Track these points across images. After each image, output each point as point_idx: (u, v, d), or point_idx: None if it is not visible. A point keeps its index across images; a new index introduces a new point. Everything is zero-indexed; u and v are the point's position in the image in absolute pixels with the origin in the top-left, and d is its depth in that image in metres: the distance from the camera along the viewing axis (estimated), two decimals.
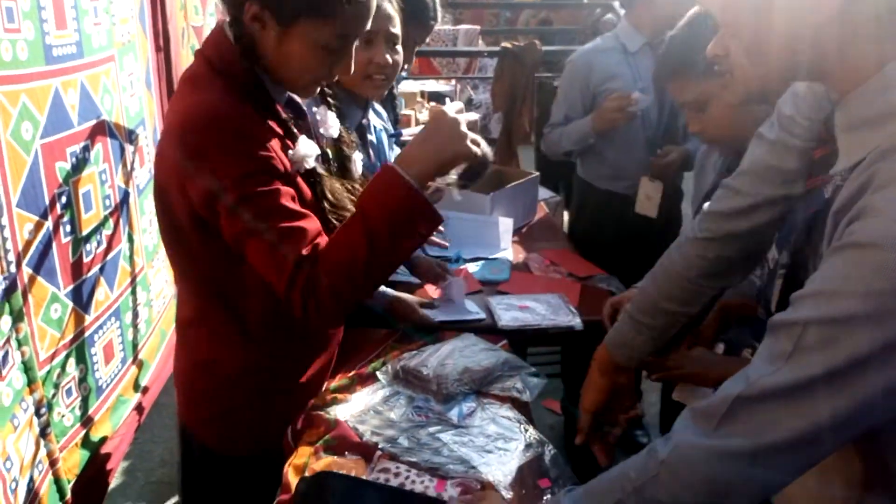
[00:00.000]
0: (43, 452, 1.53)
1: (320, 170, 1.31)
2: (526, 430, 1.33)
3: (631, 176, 2.52)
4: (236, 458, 1.42)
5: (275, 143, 1.21)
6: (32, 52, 1.45)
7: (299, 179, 1.26)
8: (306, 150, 1.25)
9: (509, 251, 2.34)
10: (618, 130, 2.44)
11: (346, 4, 1.16)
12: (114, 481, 2.43)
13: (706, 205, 1.23)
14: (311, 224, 1.19)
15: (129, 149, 1.96)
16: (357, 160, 1.51)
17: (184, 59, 2.58)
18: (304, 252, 1.15)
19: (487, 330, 1.77)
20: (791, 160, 1.03)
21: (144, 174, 2.10)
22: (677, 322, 1.28)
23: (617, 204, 2.57)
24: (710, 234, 1.18)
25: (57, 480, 1.58)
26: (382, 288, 1.77)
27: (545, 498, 1.17)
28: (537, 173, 2.78)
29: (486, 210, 2.42)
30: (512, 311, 1.88)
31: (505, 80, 3.15)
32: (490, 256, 2.28)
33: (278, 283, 1.17)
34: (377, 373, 1.51)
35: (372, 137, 1.94)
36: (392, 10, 1.73)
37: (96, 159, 1.73)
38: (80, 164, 1.65)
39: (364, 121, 1.91)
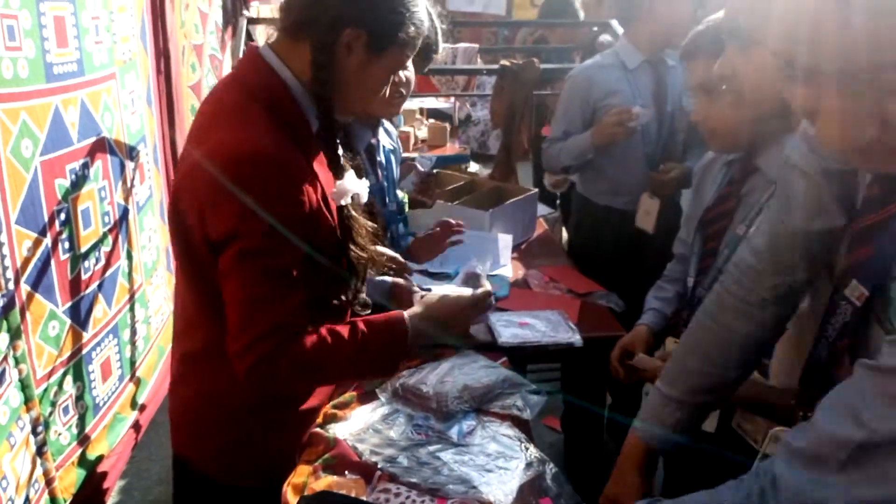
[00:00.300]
0: (39, 471, 1.52)
1: (350, 209, 1.30)
2: (527, 449, 1.32)
3: (629, 191, 2.52)
4: (240, 488, 1.36)
5: (312, 184, 1.19)
6: (33, 70, 1.46)
7: (325, 212, 1.24)
8: (351, 185, 1.26)
9: (508, 268, 2.34)
10: (617, 146, 2.44)
11: (418, 38, 1.23)
12: (110, 500, 2.40)
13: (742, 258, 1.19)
14: (299, 297, 1.18)
15: (130, 166, 1.96)
16: (363, 188, 1.50)
17: (184, 76, 2.59)
18: (283, 321, 1.15)
19: (487, 347, 1.77)
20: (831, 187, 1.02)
21: (144, 191, 2.11)
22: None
23: (615, 219, 2.57)
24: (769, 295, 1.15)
25: (53, 500, 1.57)
26: (380, 277, 1.73)
27: None
28: (536, 190, 2.79)
29: (485, 226, 2.42)
30: (511, 328, 1.87)
31: (504, 98, 3.17)
32: (489, 273, 2.27)
33: (242, 334, 1.15)
34: (376, 391, 1.50)
35: (381, 158, 1.94)
36: None
37: (96, 176, 1.74)
38: (79, 181, 1.65)
39: (373, 140, 1.91)
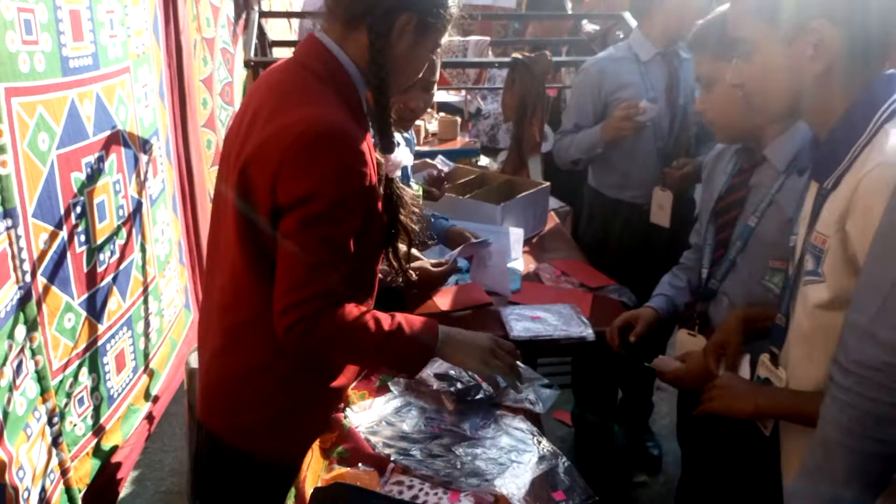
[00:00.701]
0: (55, 461, 1.54)
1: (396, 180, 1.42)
2: (539, 442, 1.32)
3: (640, 185, 2.51)
4: (275, 465, 1.38)
5: (373, 160, 1.30)
6: (49, 64, 1.47)
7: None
8: (403, 157, 1.39)
9: (520, 261, 2.34)
10: (630, 140, 2.43)
11: (452, 18, 1.33)
12: (124, 491, 2.43)
13: None
14: (347, 268, 1.27)
15: (143, 159, 1.97)
16: (410, 159, 1.66)
17: (196, 70, 2.60)
18: (332, 288, 1.23)
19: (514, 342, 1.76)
20: None
21: (157, 184, 2.12)
22: None
23: (625, 212, 2.56)
24: None
25: (68, 490, 1.59)
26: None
27: None
28: (548, 183, 2.78)
29: (496, 220, 2.41)
30: (524, 322, 1.87)
31: (515, 91, 3.15)
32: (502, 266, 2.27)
33: (291, 293, 1.22)
34: (389, 384, 1.51)
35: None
36: (435, 57, 1.82)
37: (111, 170, 1.75)
38: (94, 174, 1.66)
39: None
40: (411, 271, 1.61)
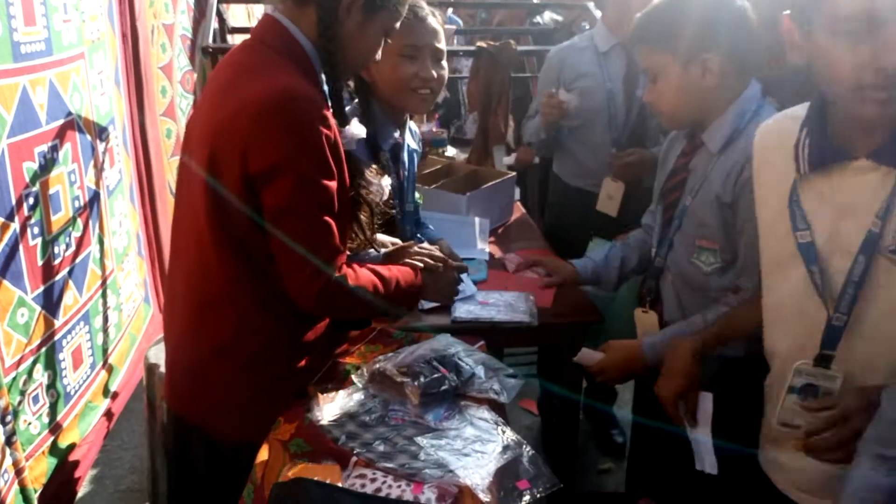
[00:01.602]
0: (9, 461, 1.49)
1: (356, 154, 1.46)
2: (503, 432, 1.32)
3: (594, 174, 2.55)
4: (243, 445, 1.38)
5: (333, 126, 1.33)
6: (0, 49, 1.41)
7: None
8: (357, 130, 1.41)
9: (485, 251, 2.34)
10: (584, 129, 2.48)
11: (403, 6, 1.42)
12: (82, 489, 2.38)
13: None
14: (340, 227, 1.35)
15: (100, 148, 1.92)
16: (385, 185, 1.63)
17: (153, 57, 2.54)
18: (340, 247, 1.34)
19: (463, 331, 1.77)
20: None
21: (115, 175, 2.07)
22: None
23: (582, 200, 2.60)
24: None
25: (23, 490, 1.54)
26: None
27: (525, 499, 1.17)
28: (513, 174, 2.78)
29: (462, 210, 2.41)
30: (469, 305, 1.90)
31: (480, 80, 3.14)
32: (467, 257, 2.27)
33: (309, 261, 1.29)
34: (352, 376, 1.49)
35: (404, 157, 1.94)
36: (437, 24, 1.81)
37: (65, 159, 1.70)
38: (48, 163, 1.61)
39: (399, 139, 1.91)
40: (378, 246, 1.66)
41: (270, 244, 1.30)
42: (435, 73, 1.81)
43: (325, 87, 1.39)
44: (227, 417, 1.40)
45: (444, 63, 1.87)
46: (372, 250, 1.67)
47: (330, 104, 1.37)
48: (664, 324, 1.72)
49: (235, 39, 3.45)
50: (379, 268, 1.46)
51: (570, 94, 2.42)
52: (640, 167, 2.37)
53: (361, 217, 1.47)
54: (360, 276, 1.40)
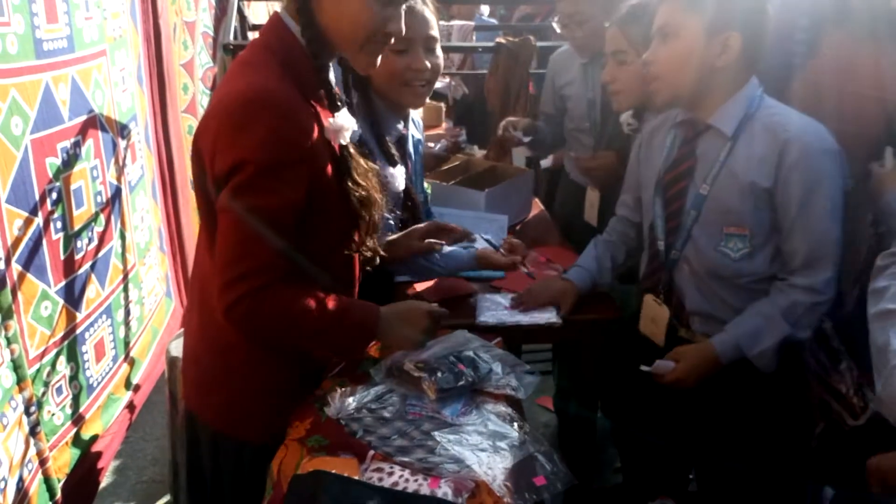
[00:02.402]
0: (32, 451, 1.52)
1: (352, 148, 1.36)
2: (520, 428, 1.32)
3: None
4: (246, 444, 1.40)
5: (316, 127, 1.27)
6: (22, 46, 1.43)
7: (328, 154, 1.31)
8: (345, 121, 1.31)
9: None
10: (571, 136, 2.60)
11: None
12: (104, 480, 2.41)
13: None
14: (287, 242, 1.24)
15: (121, 144, 1.94)
16: (399, 175, 1.63)
17: (175, 54, 2.56)
18: (270, 262, 1.22)
19: (480, 327, 1.76)
20: None
21: (136, 170, 2.09)
22: None
23: (581, 195, 2.63)
24: None
25: (47, 480, 1.57)
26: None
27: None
28: (531, 170, 2.78)
29: (480, 207, 2.40)
30: (493, 310, 1.89)
31: (499, 76, 3.14)
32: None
33: (228, 269, 1.21)
34: (370, 371, 1.50)
35: (410, 149, 1.93)
36: (429, 13, 1.75)
37: (87, 155, 1.72)
38: (70, 159, 1.63)
39: (404, 131, 1.89)
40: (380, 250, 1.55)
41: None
42: (428, 64, 1.74)
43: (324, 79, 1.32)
44: (229, 417, 1.40)
45: (439, 51, 1.81)
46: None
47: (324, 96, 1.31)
48: (686, 315, 1.70)
49: (256, 36, 3.47)
50: (330, 299, 1.30)
51: (522, 135, 2.57)
52: (609, 169, 2.38)
53: (361, 219, 1.38)
54: (293, 302, 1.25)
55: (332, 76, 1.39)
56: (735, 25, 1.48)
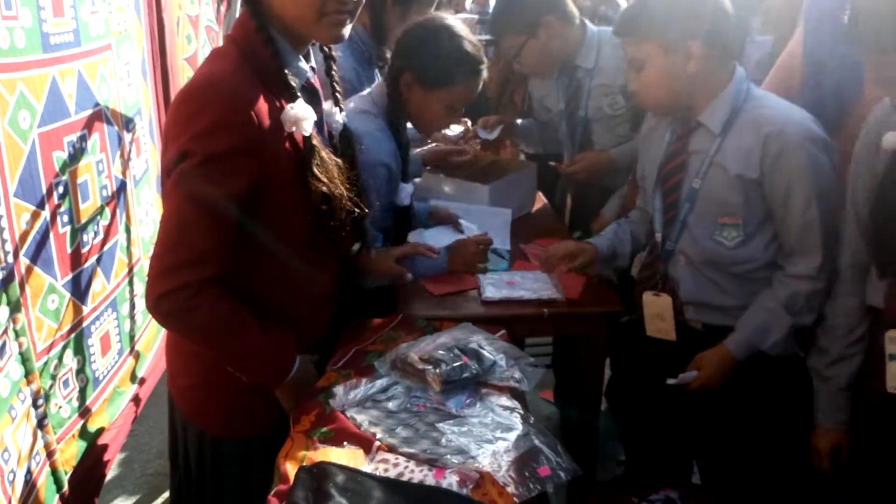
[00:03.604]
0: (40, 444, 1.53)
1: (316, 141, 1.34)
2: (524, 420, 1.33)
3: None
4: (225, 440, 1.45)
5: (271, 115, 1.25)
6: (30, 40, 1.44)
7: (287, 146, 1.30)
8: (301, 112, 1.27)
9: (507, 242, 2.34)
10: (552, 142, 2.70)
11: None
12: (110, 472, 2.42)
13: None
14: (227, 236, 1.24)
15: (127, 138, 1.95)
16: (407, 191, 1.76)
17: (179, 49, 2.56)
18: (206, 255, 1.21)
19: (484, 320, 1.77)
20: None
21: (141, 164, 2.10)
22: None
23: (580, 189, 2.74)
24: None
25: (54, 472, 1.58)
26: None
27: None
28: (534, 164, 2.78)
29: (484, 200, 2.41)
30: (496, 286, 1.92)
31: (500, 68, 3.14)
32: (490, 247, 2.28)
33: (159, 260, 1.21)
34: (374, 363, 1.51)
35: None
36: None
37: (93, 149, 1.72)
38: (77, 153, 1.64)
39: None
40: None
41: None
42: None
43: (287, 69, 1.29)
44: (193, 402, 1.47)
45: None
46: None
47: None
48: (680, 304, 1.75)
49: None
50: (252, 324, 1.29)
51: (488, 131, 2.66)
52: (591, 170, 2.47)
53: (323, 213, 1.36)
54: (220, 314, 1.24)
55: (309, 65, 1.39)
56: (688, 34, 1.57)
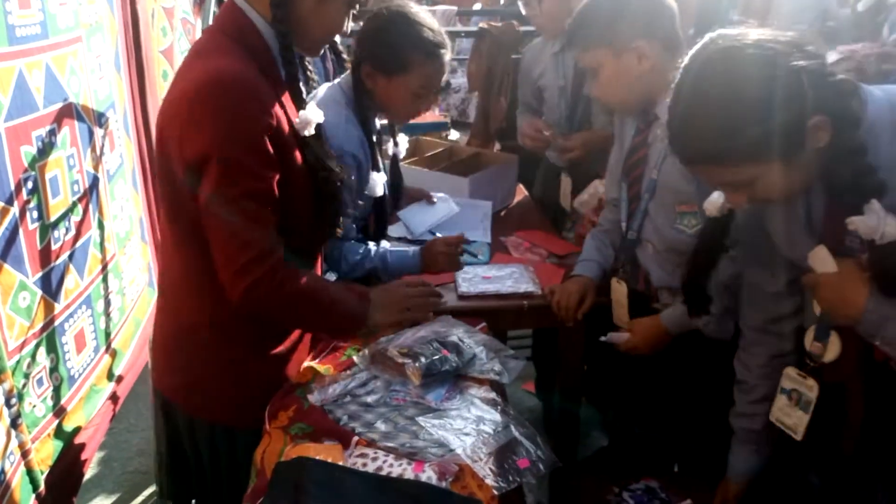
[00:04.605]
0: (14, 443, 1.50)
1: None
2: (504, 412, 1.33)
3: None
4: (219, 427, 1.44)
5: (280, 109, 1.30)
6: None
7: (289, 132, 1.35)
8: (312, 115, 1.37)
9: (488, 234, 2.34)
10: (551, 123, 2.61)
11: None
12: (89, 472, 2.40)
13: None
14: (277, 220, 1.30)
15: (99, 133, 1.91)
16: (379, 181, 1.74)
17: (154, 41, 2.52)
18: (273, 244, 1.28)
19: (464, 313, 1.77)
20: None
21: (115, 159, 2.06)
22: None
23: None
24: None
25: (29, 471, 1.55)
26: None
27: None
28: (515, 156, 2.77)
29: (464, 193, 2.40)
30: (474, 280, 1.92)
31: (482, 61, 3.12)
32: (470, 239, 2.27)
33: (237, 257, 1.25)
34: (354, 357, 1.50)
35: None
36: None
37: (63, 143, 1.69)
38: (46, 148, 1.61)
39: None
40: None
41: (207, 235, 1.27)
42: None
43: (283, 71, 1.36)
44: (199, 398, 1.44)
45: None
46: (386, 242, 1.69)
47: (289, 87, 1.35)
48: (654, 290, 1.80)
49: None
50: (329, 283, 1.42)
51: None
52: (588, 147, 2.45)
53: (328, 199, 1.44)
54: (300, 284, 1.34)
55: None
56: (633, 35, 1.60)
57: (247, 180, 1.23)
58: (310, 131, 1.36)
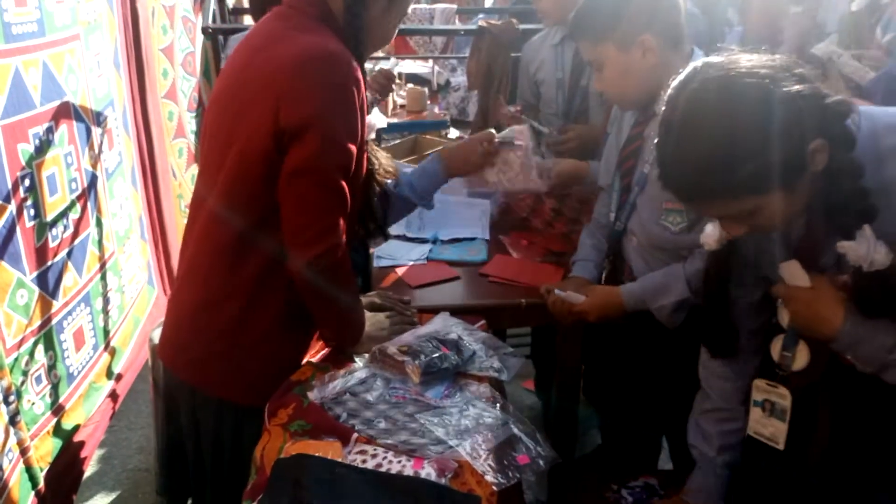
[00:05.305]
0: (13, 440, 1.50)
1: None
2: (504, 409, 1.32)
3: None
4: (224, 403, 1.44)
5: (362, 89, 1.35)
6: None
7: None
8: (377, 120, 1.47)
9: (486, 232, 2.33)
10: (549, 121, 2.57)
11: None
12: (89, 469, 2.40)
13: None
14: (353, 195, 1.36)
15: (97, 131, 1.91)
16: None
17: (154, 39, 2.52)
18: (344, 221, 1.33)
19: (463, 310, 1.76)
20: None
21: (114, 157, 2.06)
22: None
23: None
24: None
25: (29, 469, 1.55)
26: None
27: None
28: None
29: (462, 191, 2.40)
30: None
31: (482, 58, 3.11)
32: (467, 237, 2.26)
33: (318, 222, 1.30)
34: (354, 355, 1.50)
35: None
36: None
37: (61, 141, 1.69)
38: (43, 146, 1.61)
39: None
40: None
41: (282, 201, 1.30)
42: None
43: None
44: (207, 372, 1.42)
45: None
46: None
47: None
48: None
49: (235, 21, 3.42)
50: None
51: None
52: (583, 139, 2.39)
53: (372, 188, 1.54)
54: (351, 270, 1.41)
55: None
56: (638, 28, 1.58)
57: (341, 155, 1.28)
58: (372, 136, 1.41)
